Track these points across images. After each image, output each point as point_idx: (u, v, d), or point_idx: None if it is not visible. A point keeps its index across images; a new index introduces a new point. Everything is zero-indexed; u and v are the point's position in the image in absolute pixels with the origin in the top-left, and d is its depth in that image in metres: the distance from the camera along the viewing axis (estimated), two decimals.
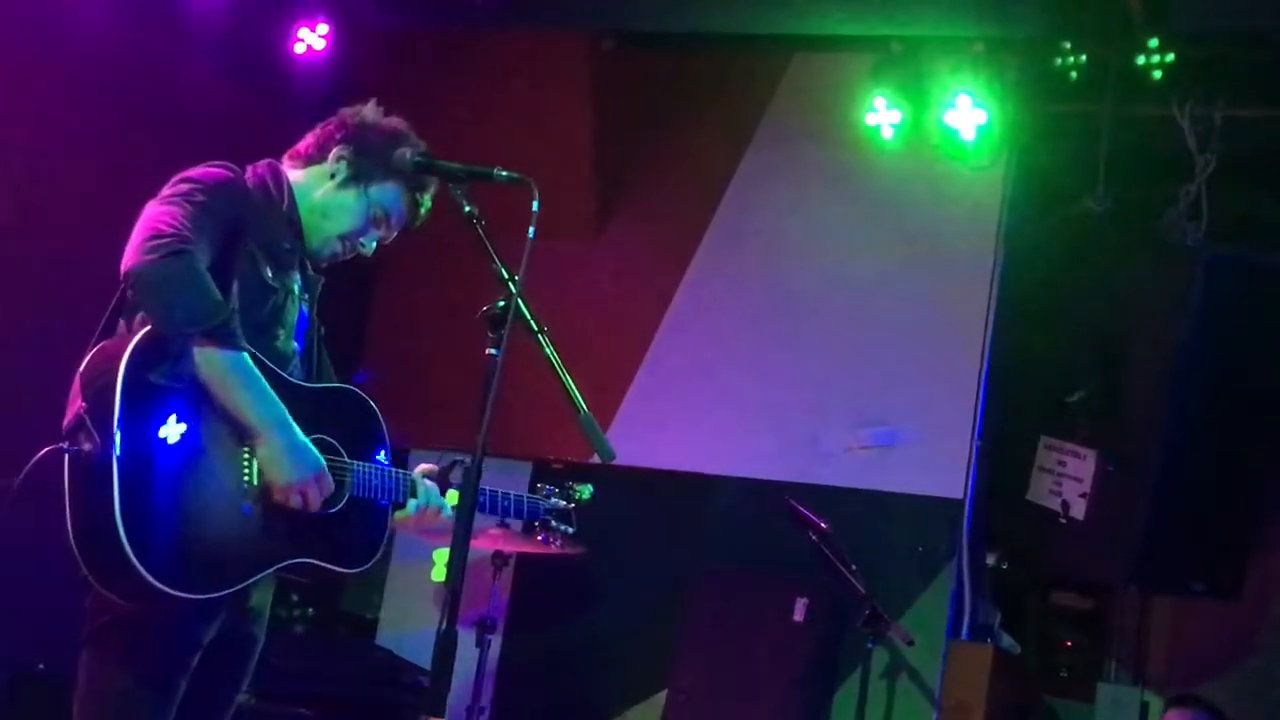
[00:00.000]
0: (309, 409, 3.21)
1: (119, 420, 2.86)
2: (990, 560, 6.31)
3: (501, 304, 2.99)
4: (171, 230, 2.97)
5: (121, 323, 3.08)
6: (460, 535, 2.86)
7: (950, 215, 6.48)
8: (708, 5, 6.37)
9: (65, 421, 2.95)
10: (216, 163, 3.24)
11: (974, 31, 6.08)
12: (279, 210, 3.30)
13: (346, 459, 3.27)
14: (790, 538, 5.74)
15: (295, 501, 3.09)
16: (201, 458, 3.00)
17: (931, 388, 6.36)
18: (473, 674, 5.52)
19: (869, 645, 5.49)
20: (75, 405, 2.94)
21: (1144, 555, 5.52)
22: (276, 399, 3.07)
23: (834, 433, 6.48)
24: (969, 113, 6.12)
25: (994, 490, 6.31)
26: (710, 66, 6.95)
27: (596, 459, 3.20)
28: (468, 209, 3.12)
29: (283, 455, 3.06)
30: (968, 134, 6.18)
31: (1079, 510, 5.79)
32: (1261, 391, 5.48)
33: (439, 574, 6.43)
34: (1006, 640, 6.28)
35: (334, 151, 3.38)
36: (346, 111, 3.47)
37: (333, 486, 3.16)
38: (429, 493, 3.42)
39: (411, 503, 3.39)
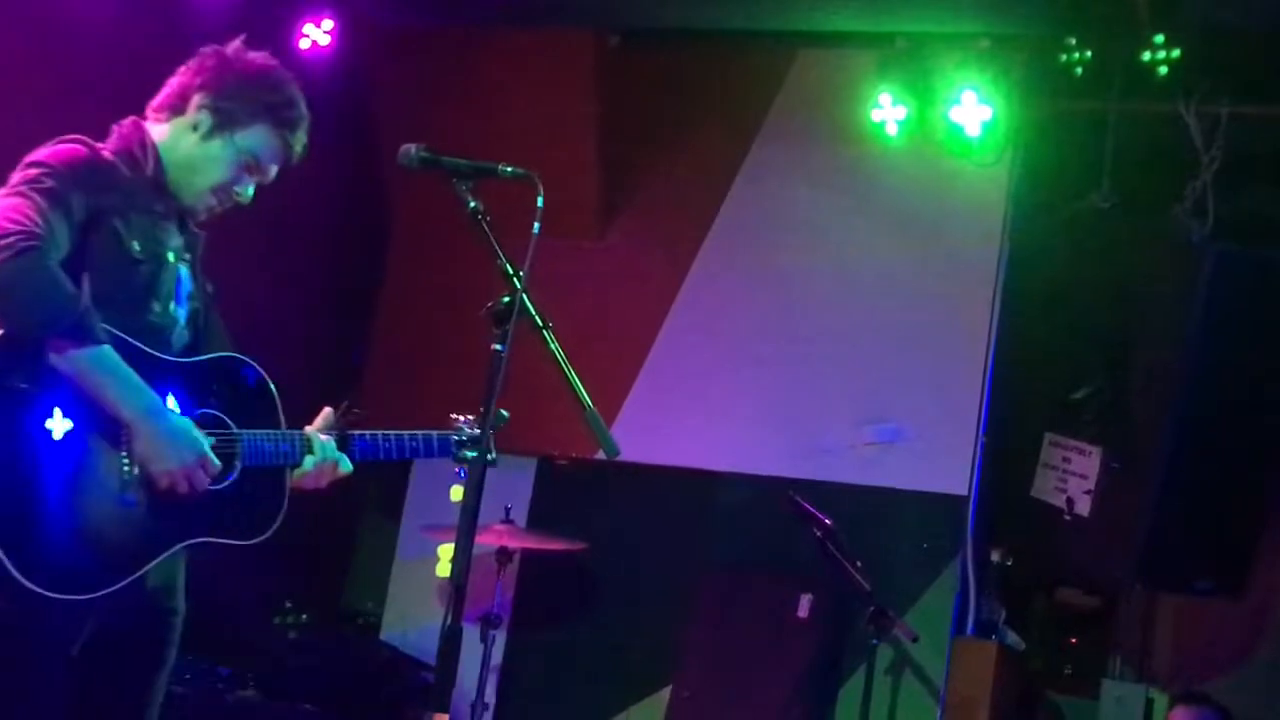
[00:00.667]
0: (191, 384, 3.17)
1: None
2: (995, 557, 6.31)
3: (506, 300, 2.98)
4: (17, 227, 2.88)
5: None
6: (465, 531, 2.85)
7: (955, 212, 6.48)
8: (713, 2, 6.37)
9: None
10: (68, 138, 3.14)
11: (979, 28, 6.08)
12: (145, 177, 3.21)
13: (235, 429, 3.22)
14: (795, 534, 5.74)
15: (180, 487, 3.04)
16: (76, 455, 2.94)
17: (936, 384, 6.35)
18: (477, 670, 5.52)
19: (873, 642, 5.48)
20: None
21: (1149, 553, 5.51)
22: (145, 387, 3.01)
23: (838, 429, 6.48)
24: (974, 109, 6.12)
25: (998, 487, 6.31)
26: (715, 63, 6.95)
27: (602, 455, 3.20)
28: (472, 205, 3.09)
29: (159, 443, 3.00)
30: (973, 130, 6.18)
31: (1084, 507, 5.79)
32: (1268, 388, 5.46)
33: (444, 569, 6.43)
34: (1011, 637, 6.28)
35: (194, 100, 3.28)
36: (205, 52, 3.35)
37: (218, 465, 3.11)
38: (324, 447, 3.36)
39: (308, 459, 3.33)
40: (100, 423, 2.99)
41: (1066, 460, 5.91)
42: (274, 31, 6.46)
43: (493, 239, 3.06)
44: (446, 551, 6.14)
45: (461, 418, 3.62)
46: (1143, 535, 5.49)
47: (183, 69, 3.35)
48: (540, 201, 2.99)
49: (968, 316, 6.36)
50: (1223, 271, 5.35)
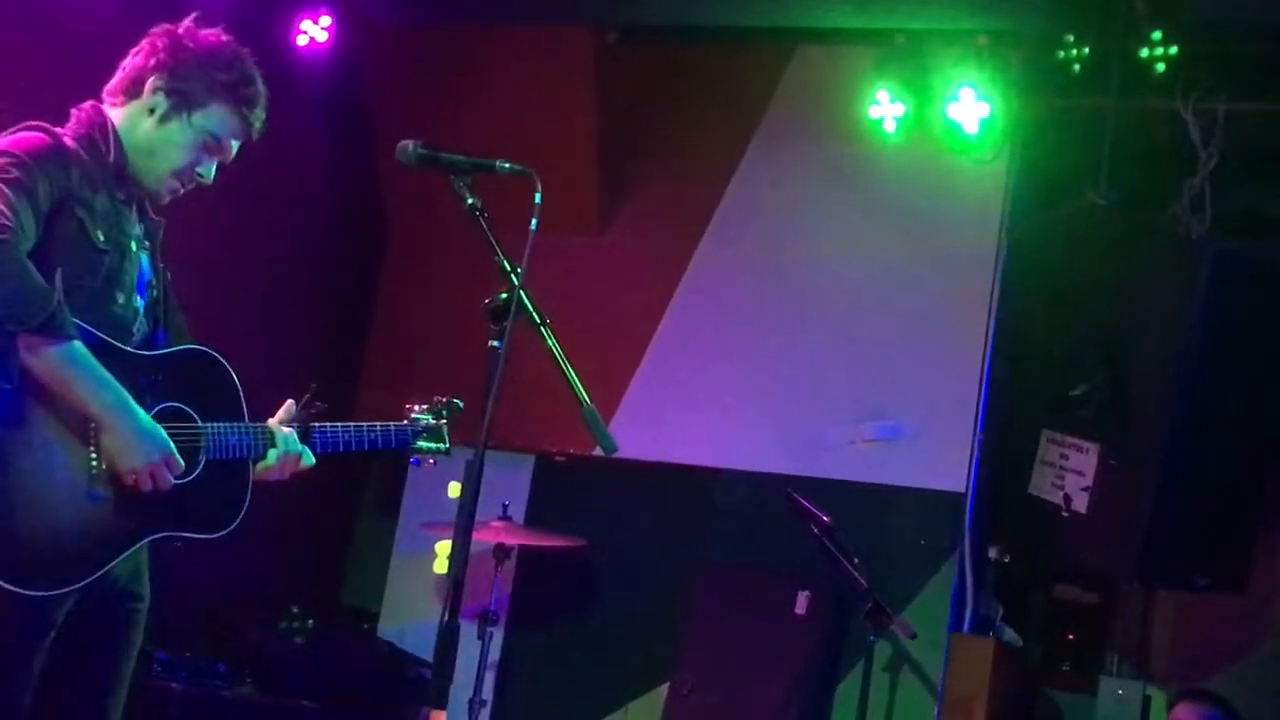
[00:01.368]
0: (155, 378, 3.17)
1: None
2: (992, 554, 6.31)
3: (504, 296, 2.98)
4: None
5: None
6: (462, 527, 2.85)
7: (953, 209, 6.47)
8: None
9: None
10: (31, 124, 3.12)
11: (977, 24, 6.08)
12: (106, 163, 3.19)
13: (199, 423, 3.22)
14: (792, 531, 5.73)
15: (145, 484, 3.05)
16: (42, 452, 2.94)
17: (934, 381, 6.35)
18: (475, 667, 5.52)
19: (871, 639, 5.48)
20: None
21: (1147, 550, 5.50)
22: (114, 383, 3.01)
23: (836, 426, 6.48)
24: (972, 106, 6.12)
25: (996, 484, 6.31)
26: (714, 59, 6.94)
27: (599, 451, 3.19)
28: (470, 201, 3.09)
29: (126, 440, 3.01)
30: (971, 127, 6.18)
31: (1081, 504, 5.78)
32: (1266, 386, 5.46)
33: (441, 566, 6.42)
34: (1009, 634, 6.28)
35: (149, 84, 3.26)
36: (156, 33, 3.32)
37: (182, 464, 3.12)
38: (287, 440, 3.38)
39: (271, 453, 3.34)
40: (69, 418, 2.98)
41: (1064, 457, 5.91)
42: (271, 28, 6.47)
43: (491, 235, 3.06)
44: (444, 548, 6.13)
45: (416, 408, 3.64)
46: (1141, 532, 5.48)
47: (134, 51, 3.32)
48: (538, 198, 2.99)
49: (966, 313, 6.36)
50: (1221, 269, 5.35)
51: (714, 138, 6.94)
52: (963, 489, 6.22)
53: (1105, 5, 5.76)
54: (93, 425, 3.00)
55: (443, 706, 2.81)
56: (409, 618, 6.89)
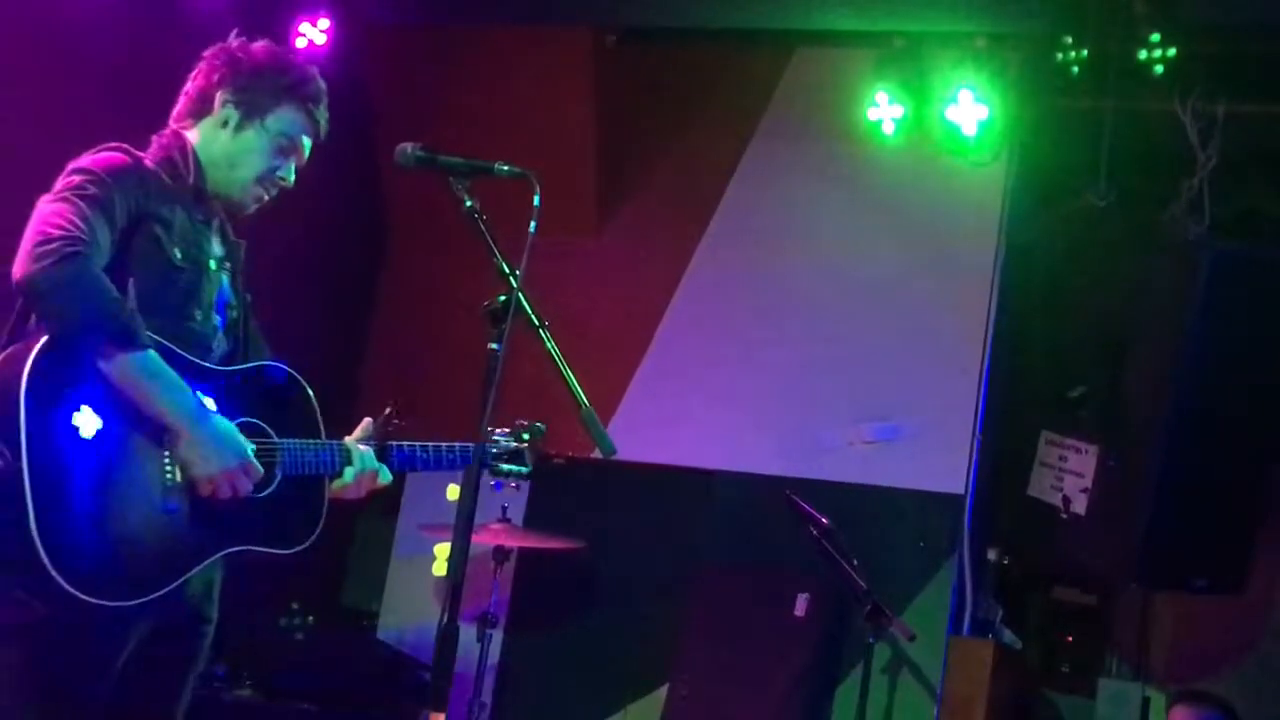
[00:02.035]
0: (232, 391, 3.18)
1: (26, 434, 2.79)
2: (991, 555, 6.31)
3: (503, 299, 2.98)
4: (61, 232, 2.89)
5: (31, 328, 2.99)
6: (461, 530, 2.85)
7: (952, 210, 6.48)
8: (710, 1, 6.36)
9: None
10: (111, 145, 3.17)
11: (976, 26, 6.07)
12: (186, 184, 3.24)
13: (275, 439, 3.22)
14: (791, 533, 5.73)
15: (224, 492, 3.04)
16: (119, 462, 2.94)
17: (933, 383, 6.36)
18: (474, 669, 5.52)
19: (870, 640, 5.48)
20: None
21: (1146, 551, 5.50)
22: (189, 391, 3.02)
23: (835, 428, 6.48)
24: (971, 108, 6.12)
25: (995, 485, 6.31)
26: (713, 62, 6.95)
27: (598, 454, 3.20)
28: (469, 203, 3.09)
29: (203, 448, 3.01)
30: (970, 129, 6.18)
31: (1080, 506, 5.78)
32: (1265, 387, 5.46)
33: (440, 568, 6.43)
34: (1008, 635, 6.28)
35: (217, 99, 3.32)
36: (211, 53, 3.39)
37: (261, 471, 3.11)
38: (363, 458, 3.38)
39: (348, 471, 3.35)
40: (144, 428, 2.98)
41: (1063, 458, 5.91)
42: (270, 30, 6.43)
43: (489, 238, 3.06)
44: (443, 550, 6.14)
45: (498, 430, 3.64)
46: (1139, 533, 5.48)
47: (194, 75, 3.39)
48: (537, 200, 2.99)
49: (964, 315, 6.37)
50: (1219, 270, 5.35)
51: (713, 139, 6.94)
52: (962, 490, 6.23)
53: (1104, 7, 5.76)
54: (168, 435, 3.00)
55: (442, 709, 2.81)
56: (408, 620, 6.89)
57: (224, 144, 3.31)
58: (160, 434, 3.00)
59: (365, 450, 3.40)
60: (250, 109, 3.32)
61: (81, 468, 2.88)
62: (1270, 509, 5.69)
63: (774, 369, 6.63)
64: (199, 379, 3.10)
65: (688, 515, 6.66)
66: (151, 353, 2.97)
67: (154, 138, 3.31)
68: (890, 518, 6.30)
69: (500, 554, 5.76)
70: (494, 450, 3.64)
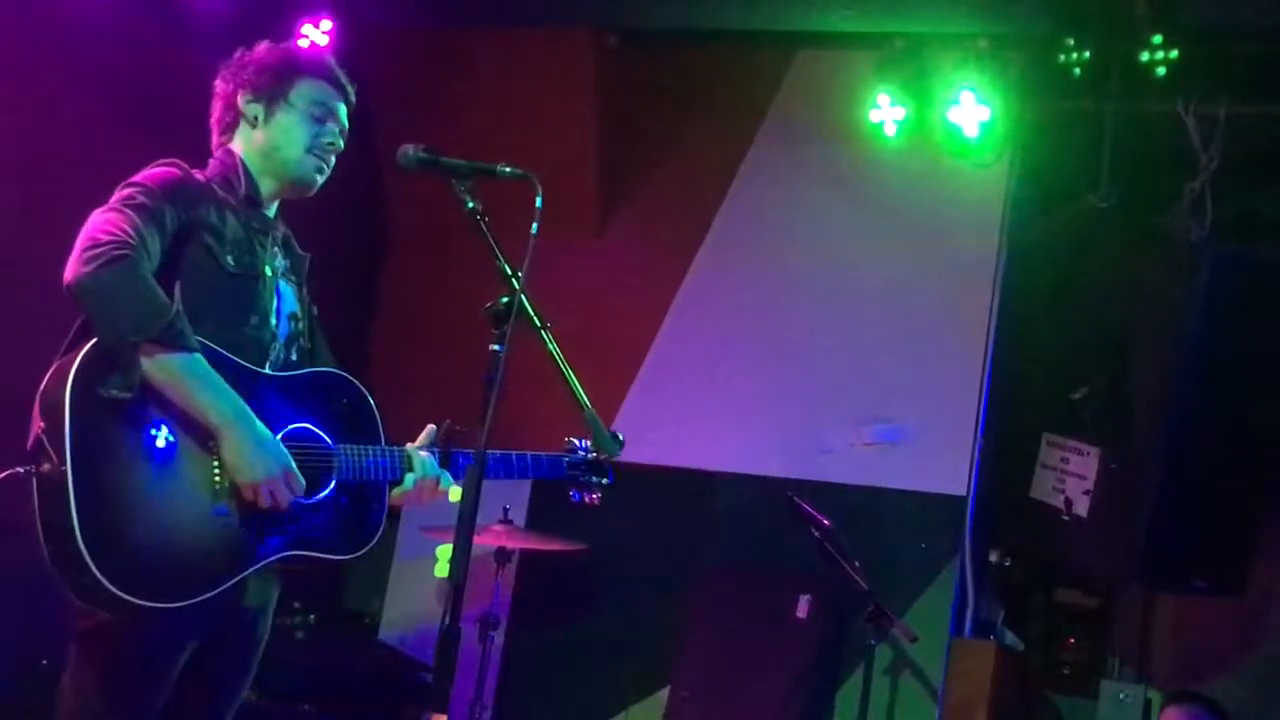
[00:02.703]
0: (286, 397, 3.16)
1: (70, 439, 2.79)
2: (993, 557, 6.32)
3: (505, 300, 2.97)
4: (109, 237, 2.92)
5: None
6: (463, 531, 2.85)
7: (954, 212, 6.48)
8: (712, 2, 6.37)
9: (29, 443, 2.88)
10: (165, 161, 3.22)
11: (978, 28, 6.08)
12: (239, 195, 3.29)
13: (329, 444, 3.21)
14: (793, 534, 5.73)
15: (264, 500, 3.02)
16: (166, 464, 2.93)
17: (935, 384, 6.36)
18: (475, 670, 5.52)
19: (872, 642, 5.48)
20: (35, 426, 2.87)
21: (1147, 553, 5.51)
22: (235, 396, 3.00)
23: (837, 429, 6.48)
24: (973, 109, 6.12)
25: (997, 487, 6.31)
26: (714, 63, 6.95)
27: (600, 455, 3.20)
28: (471, 205, 3.09)
29: (244, 453, 2.99)
30: (971, 131, 6.18)
31: (1082, 507, 5.79)
32: (1265, 388, 5.47)
33: (442, 570, 6.42)
34: (1009, 637, 6.28)
35: (239, 104, 3.37)
36: (223, 73, 3.44)
37: (303, 482, 3.08)
38: (425, 464, 3.35)
39: (409, 477, 3.33)
40: (194, 431, 2.98)
41: (1065, 460, 5.91)
42: (272, 31, 6.44)
43: (491, 239, 3.06)
44: (445, 552, 6.09)
45: (577, 440, 3.64)
46: (1141, 535, 5.49)
47: (212, 100, 3.44)
48: (539, 202, 2.99)
49: (966, 317, 6.37)
50: (1221, 272, 5.35)
51: (715, 141, 6.95)
52: (963, 492, 6.23)
53: (1106, 9, 5.76)
54: (213, 438, 2.99)
55: (443, 710, 2.80)
56: (410, 621, 6.89)
57: (261, 137, 3.35)
58: (207, 437, 2.99)
59: (426, 457, 3.38)
60: (271, 96, 3.36)
61: (127, 470, 2.88)
62: (1271, 510, 5.69)
63: (776, 370, 6.63)
64: (252, 384, 3.09)
65: (689, 517, 6.66)
66: (198, 355, 2.97)
67: (210, 160, 3.37)
68: (892, 519, 6.30)
69: (502, 555, 5.76)
70: (570, 460, 3.66)
